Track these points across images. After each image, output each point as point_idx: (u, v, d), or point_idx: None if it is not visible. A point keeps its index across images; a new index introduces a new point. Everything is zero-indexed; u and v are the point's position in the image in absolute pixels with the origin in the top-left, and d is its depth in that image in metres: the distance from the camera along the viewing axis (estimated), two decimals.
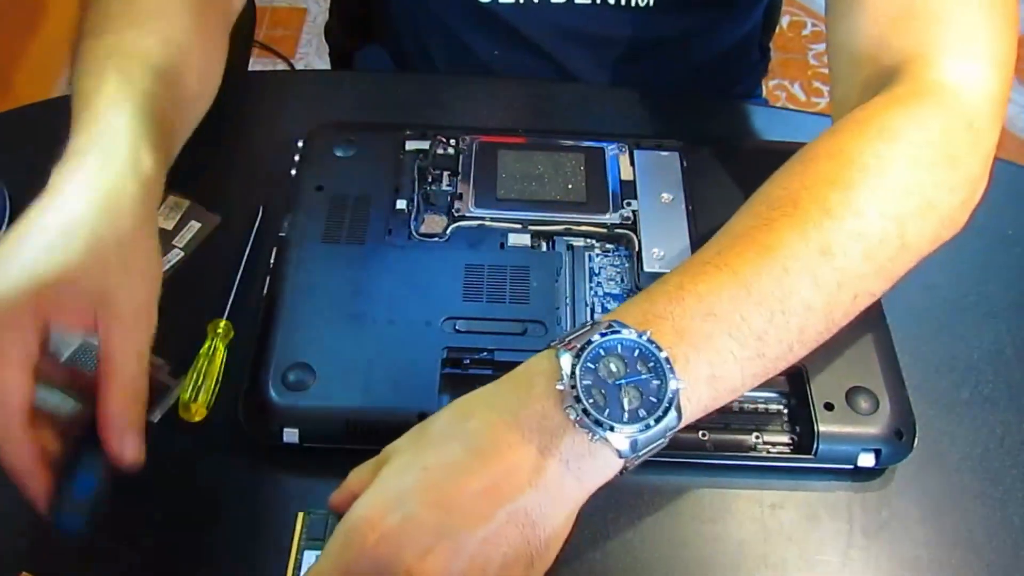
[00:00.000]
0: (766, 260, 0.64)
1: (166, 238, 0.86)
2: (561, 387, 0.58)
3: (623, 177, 0.88)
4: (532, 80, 1.07)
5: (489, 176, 0.86)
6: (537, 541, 0.58)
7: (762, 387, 0.74)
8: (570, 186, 0.86)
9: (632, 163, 0.89)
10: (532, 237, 0.83)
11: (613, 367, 0.59)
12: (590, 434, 0.57)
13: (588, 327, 0.61)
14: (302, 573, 0.66)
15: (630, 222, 0.84)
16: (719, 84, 1.22)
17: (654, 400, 0.59)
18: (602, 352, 0.59)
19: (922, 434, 0.75)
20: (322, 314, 0.77)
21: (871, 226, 0.67)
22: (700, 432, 0.74)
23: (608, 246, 0.84)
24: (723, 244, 0.67)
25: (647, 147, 0.90)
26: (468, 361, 0.76)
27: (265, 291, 0.79)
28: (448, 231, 0.83)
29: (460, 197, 0.85)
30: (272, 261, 0.81)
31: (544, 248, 0.83)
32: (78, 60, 0.77)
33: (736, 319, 0.62)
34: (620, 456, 0.58)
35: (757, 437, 0.74)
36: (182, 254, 0.85)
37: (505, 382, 0.62)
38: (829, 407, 0.73)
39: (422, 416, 0.70)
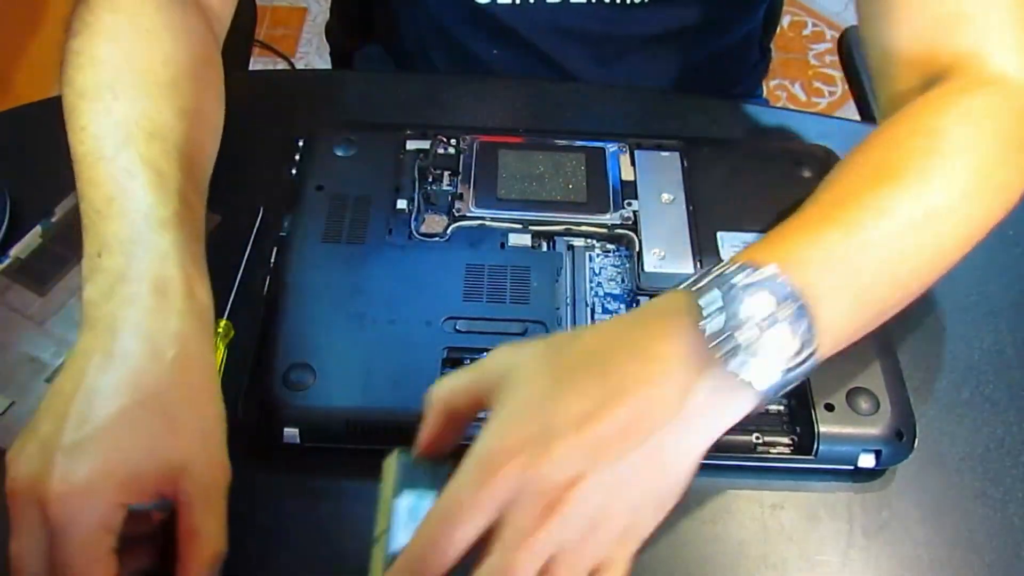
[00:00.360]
0: (876, 220, 0.66)
1: None
2: (706, 325, 0.58)
3: (624, 177, 0.88)
4: (533, 80, 1.07)
5: (490, 176, 0.86)
6: (673, 478, 0.58)
7: None
8: (571, 186, 0.86)
9: (633, 163, 0.89)
10: (532, 237, 0.83)
11: (754, 308, 0.59)
12: (732, 372, 0.58)
13: (721, 269, 0.61)
14: (396, 517, 0.62)
15: (630, 222, 0.84)
16: (720, 84, 1.22)
17: (792, 338, 0.59)
18: (744, 293, 0.59)
19: (922, 434, 0.75)
20: (322, 314, 0.77)
21: (963, 198, 0.70)
22: None
23: (609, 246, 0.84)
24: (831, 203, 0.69)
25: (647, 147, 0.90)
26: (468, 361, 0.76)
27: (265, 291, 0.79)
28: (448, 231, 0.83)
29: (461, 197, 0.85)
30: (272, 261, 0.81)
31: (544, 248, 0.83)
32: (85, 121, 0.73)
33: (851, 271, 0.64)
34: (759, 394, 0.59)
35: (758, 438, 0.74)
36: None
37: (641, 318, 0.62)
38: (829, 408, 0.73)
39: (423, 417, 0.71)
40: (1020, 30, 0.77)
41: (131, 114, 0.73)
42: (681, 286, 0.62)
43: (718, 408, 0.59)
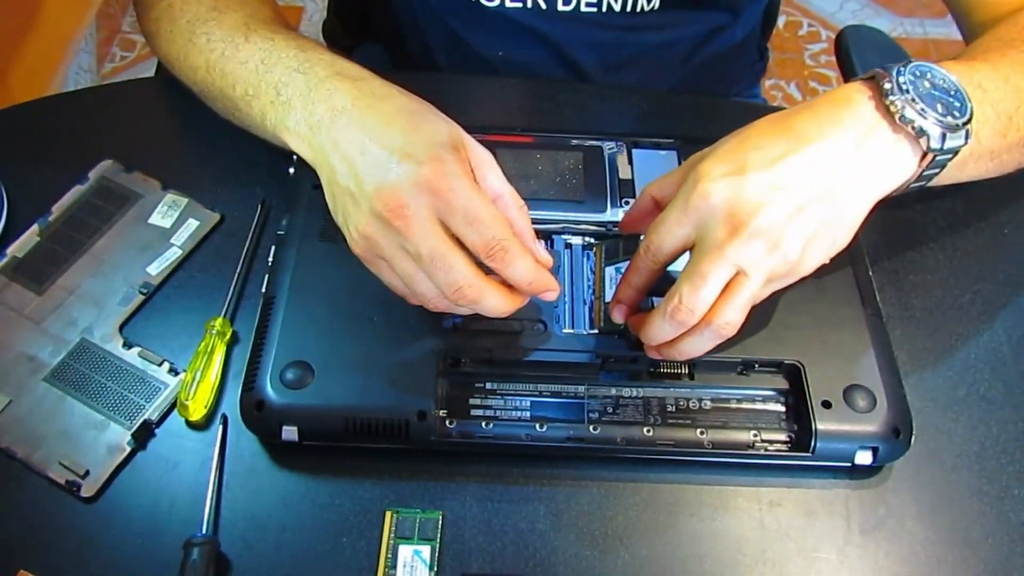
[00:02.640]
0: (1016, 67, 0.79)
1: (164, 236, 0.86)
2: (888, 83, 0.70)
3: (621, 175, 0.88)
4: (531, 79, 1.07)
5: None
6: (843, 222, 0.71)
7: (760, 385, 0.75)
8: (568, 184, 0.86)
9: (630, 161, 0.89)
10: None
11: (926, 84, 0.71)
12: (909, 123, 0.70)
13: (895, 63, 0.72)
14: (397, 570, 0.70)
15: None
16: (719, 85, 1.23)
17: (958, 112, 0.71)
18: (917, 72, 0.71)
19: (919, 432, 0.75)
20: (321, 313, 0.77)
21: None
22: (698, 430, 0.74)
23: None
24: (973, 56, 0.82)
25: (645, 146, 0.90)
26: (467, 360, 0.76)
27: (264, 289, 0.79)
28: None
29: None
30: (271, 259, 0.81)
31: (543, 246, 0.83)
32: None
33: (997, 97, 0.77)
34: (928, 149, 0.70)
35: (755, 435, 0.74)
36: (180, 252, 0.85)
37: (818, 99, 0.74)
38: (827, 405, 0.73)
39: (421, 415, 0.71)
40: None
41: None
42: (853, 79, 0.75)
43: (889, 156, 0.71)
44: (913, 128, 0.69)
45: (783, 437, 0.74)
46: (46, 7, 2.25)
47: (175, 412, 0.77)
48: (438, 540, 0.71)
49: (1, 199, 0.87)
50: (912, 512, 0.74)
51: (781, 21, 2.62)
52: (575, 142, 0.90)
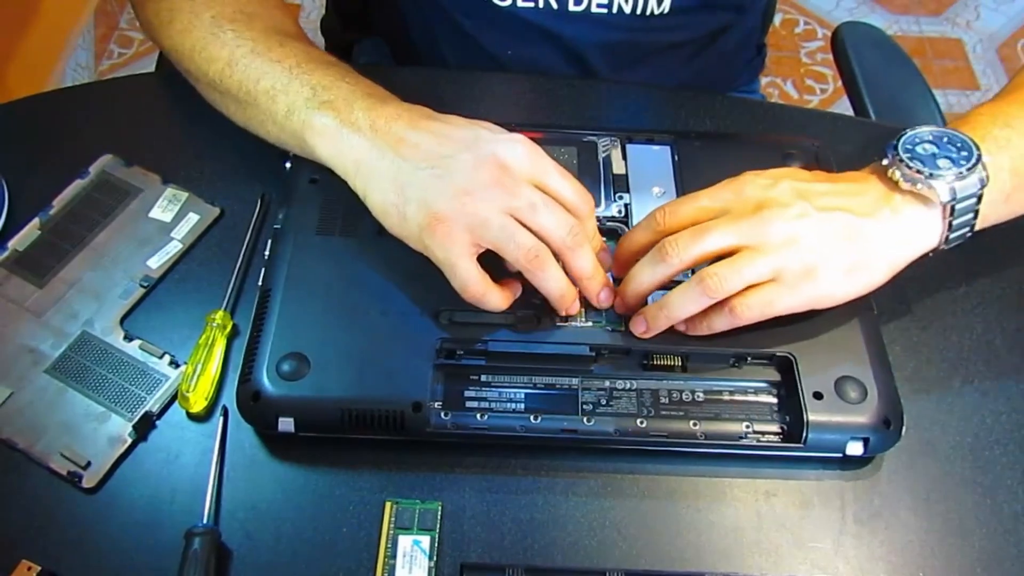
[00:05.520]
0: None
1: (165, 230, 0.87)
2: (887, 160, 0.76)
3: (615, 170, 0.88)
4: (526, 75, 1.07)
5: None
6: (863, 257, 0.75)
7: (752, 377, 0.75)
8: None
9: (624, 156, 0.89)
10: None
11: (927, 147, 0.76)
12: (914, 184, 0.74)
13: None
14: (397, 559, 0.70)
15: (622, 215, 0.85)
16: (720, 82, 1.23)
17: (964, 160, 0.74)
18: (916, 139, 0.76)
19: (913, 423, 0.76)
20: (317, 305, 0.77)
21: None
22: (691, 422, 0.75)
23: (600, 239, 0.84)
24: (1004, 92, 0.86)
25: (639, 141, 0.91)
26: (462, 352, 0.76)
27: (260, 282, 0.79)
28: None
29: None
30: (267, 252, 0.81)
31: None
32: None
33: (1018, 143, 0.78)
34: (940, 204, 0.74)
35: (747, 426, 0.75)
36: (181, 246, 0.86)
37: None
38: (818, 396, 0.73)
39: (416, 406, 0.71)
40: None
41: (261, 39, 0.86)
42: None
43: (908, 217, 0.75)
44: (919, 187, 0.74)
45: (775, 428, 0.75)
46: (44, 4, 2.25)
47: (176, 404, 0.77)
48: (437, 530, 0.71)
49: (2, 193, 0.88)
50: (906, 502, 0.75)
51: (777, 19, 2.62)
52: (569, 137, 0.91)
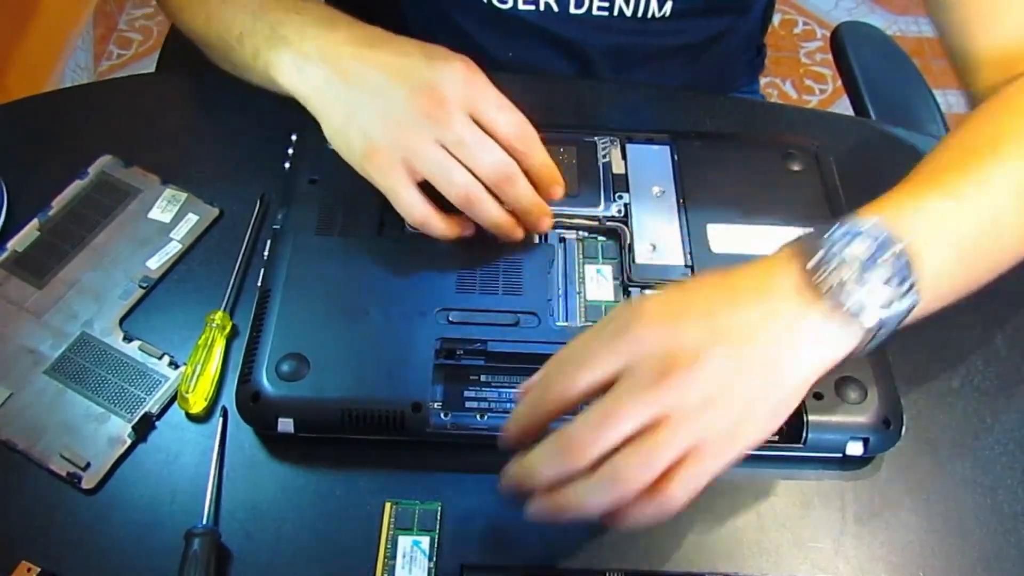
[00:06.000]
0: (977, 185, 0.70)
1: (164, 230, 0.87)
2: (813, 264, 0.63)
3: (615, 170, 0.88)
4: (525, 76, 1.07)
5: None
6: (783, 389, 0.62)
7: None
8: (563, 179, 0.86)
9: (624, 156, 0.89)
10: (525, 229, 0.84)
11: (857, 252, 0.63)
12: (836, 305, 0.62)
13: (823, 226, 0.65)
14: (397, 559, 0.70)
15: (622, 215, 0.85)
16: (720, 82, 1.23)
17: (892, 280, 0.63)
18: (847, 239, 0.63)
19: (914, 423, 0.76)
20: (316, 305, 0.77)
21: None
22: None
23: (600, 238, 0.84)
24: (929, 172, 0.73)
25: (638, 140, 0.91)
26: (461, 352, 0.76)
27: (260, 283, 0.79)
28: None
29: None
30: (267, 253, 0.81)
31: (537, 240, 0.84)
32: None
33: (952, 228, 0.68)
34: (864, 331, 0.62)
35: None
36: (180, 247, 0.85)
37: (754, 262, 0.66)
38: (818, 396, 0.73)
39: (416, 407, 0.71)
40: None
41: None
42: (787, 244, 0.67)
43: (827, 338, 0.63)
44: (848, 307, 0.62)
45: None
46: (43, 5, 2.25)
47: (175, 405, 0.77)
48: (437, 531, 0.71)
49: (1, 194, 0.88)
50: (907, 502, 0.75)
51: (777, 19, 2.63)
52: (569, 137, 0.91)
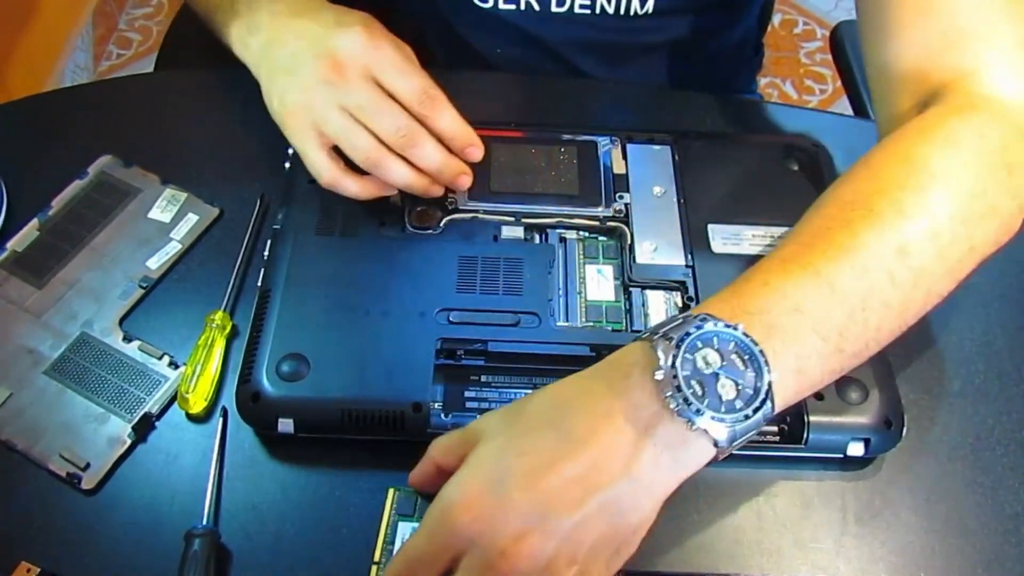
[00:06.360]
0: (847, 259, 0.66)
1: (164, 230, 0.87)
2: (660, 376, 0.59)
3: (615, 170, 0.88)
4: (526, 75, 1.07)
5: (483, 169, 0.86)
6: (626, 529, 0.59)
7: None
8: (563, 179, 0.87)
9: (624, 156, 0.89)
10: (525, 229, 0.84)
11: (709, 358, 0.60)
12: (688, 423, 0.58)
13: (680, 320, 0.62)
14: (396, 544, 0.69)
15: (622, 215, 0.85)
16: (716, 82, 1.23)
17: (750, 391, 0.60)
18: (699, 344, 0.60)
19: (914, 424, 0.76)
20: (316, 305, 0.77)
21: (943, 228, 0.68)
22: None
23: (601, 238, 0.84)
24: (802, 243, 0.68)
25: (639, 141, 0.91)
26: (462, 352, 0.76)
27: (260, 283, 0.79)
28: (442, 223, 0.84)
29: (454, 190, 0.85)
30: (267, 253, 0.81)
31: (537, 240, 0.84)
32: None
33: (820, 316, 0.64)
34: (716, 446, 0.59)
35: None
36: (180, 247, 0.85)
37: (599, 371, 0.63)
38: (819, 397, 0.73)
39: (416, 407, 0.71)
40: (1018, 51, 0.75)
41: None
42: (644, 335, 0.63)
43: (671, 460, 0.59)
44: (693, 428, 0.58)
45: (776, 429, 0.75)
46: (43, 5, 2.25)
47: (175, 405, 0.77)
48: None
49: (1, 194, 0.88)
50: (907, 503, 0.75)
51: (776, 19, 2.63)
52: (570, 137, 0.91)
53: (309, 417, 0.73)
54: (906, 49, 0.78)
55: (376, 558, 0.69)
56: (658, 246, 0.82)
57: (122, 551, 0.71)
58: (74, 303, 0.82)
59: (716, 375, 0.59)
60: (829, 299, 0.64)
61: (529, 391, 0.75)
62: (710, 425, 0.58)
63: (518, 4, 1.04)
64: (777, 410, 0.61)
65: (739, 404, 0.59)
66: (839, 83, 1.40)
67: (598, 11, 1.03)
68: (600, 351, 0.76)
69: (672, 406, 0.58)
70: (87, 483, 0.73)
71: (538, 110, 1.01)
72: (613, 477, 0.58)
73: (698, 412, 0.58)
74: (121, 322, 0.81)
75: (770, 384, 0.60)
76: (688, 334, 0.60)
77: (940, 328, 0.84)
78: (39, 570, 0.69)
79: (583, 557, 0.58)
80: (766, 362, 0.60)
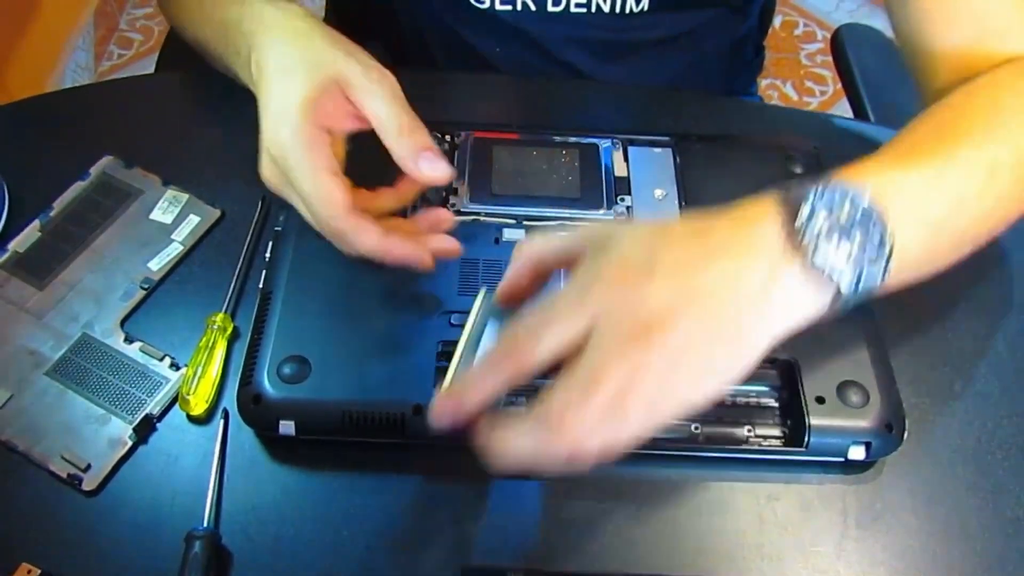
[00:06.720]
0: (943, 162, 0.71)
1: (165, 232, 0.86)
2: (797, 221, 0.61)
3: (617, 173, 0.88)
4: (527, 77, 1.07)
5: (484, 172, 0.86)
6: (746, 347, 0.60)
7: (754, 381, 0.75)
8: (564, 182, 0.87)
9: (626, 159, 0.89)
10: (527, 232, 0.84)
11: (839, 213, 0.61)
12: (813, 264, 0.60)
13: (810, 183, 0.63)
14: (481, 346, 0.66)
15: (624, 218, 0.85)
16: (717, 82, 1.23)
17: (875, 248, 0.61)
18: (832, 197, 0.62)
19: (915, 427, 0.75)
20: (318, 308, 0.77)
21: (1020, 154, 0.74)
22: (693, 425, 0.74)
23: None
24: (909, 146, 0.74)
25: (640, 143, 0.91)
26: None
27: (261, 284, 0.79)
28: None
29: (455, 192, 0.85)
30: (268, 255, 0.81)
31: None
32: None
33: (922, 209, 0.68)
34: (837, 293, 0.61)
35: (749, 430, 0.75)
36: (181, 248, 0.85)
37: (733, 211, 0.64)
38: (820, 400, 0.73)
39: (417, 409, 0.71)
40: None
41: None
42: (774, 192, 0.65)
43: (799, 296, 0.61)
44: (827, 270, 0.61)
45: (777, 432, 0.75)
46: (43, 5, 2.25)
47: (176, 406, 0.77)
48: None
49: (2, 194, 0.88)
50: (908, 507, 0.74)
51: (777, 21, 2.63)
52: (571, 140, 0.91)
53: (310, 419, 0.73)
54: (953, 40, 0.85)
55: (456, 360, 0.66)
56: None
57: (123, 552, 0.71)
58: (75, 304, 0.82)
59: (845, 230, 0.61)
60: (931, 192, 0.69)
61: (531, 394, 0.75)
62: (837, 271, 0.60)
63: (515, 4, 1.04)
64: (890, 277, 0.63)
65: (862, 258, 0.61)
66: (839, 85, 1.40)
67: (594, 9, 1.04)
68: None
69: (803, 245, 0.60)
70: (88, 484, 0.73)
71: (539, 112, 1.02)
72: (748, 301, 0.60)
73: (825, 256, 0.60)
74: (122, 323, 0.81)
75: (892, 247, 0.62)
76: (821, 190, 0.62)
77: (941, 332, 0.84)
78: (40, 571, 0.69)
79: (711, 355, 0.59)
80: (885, 232, 0.62)
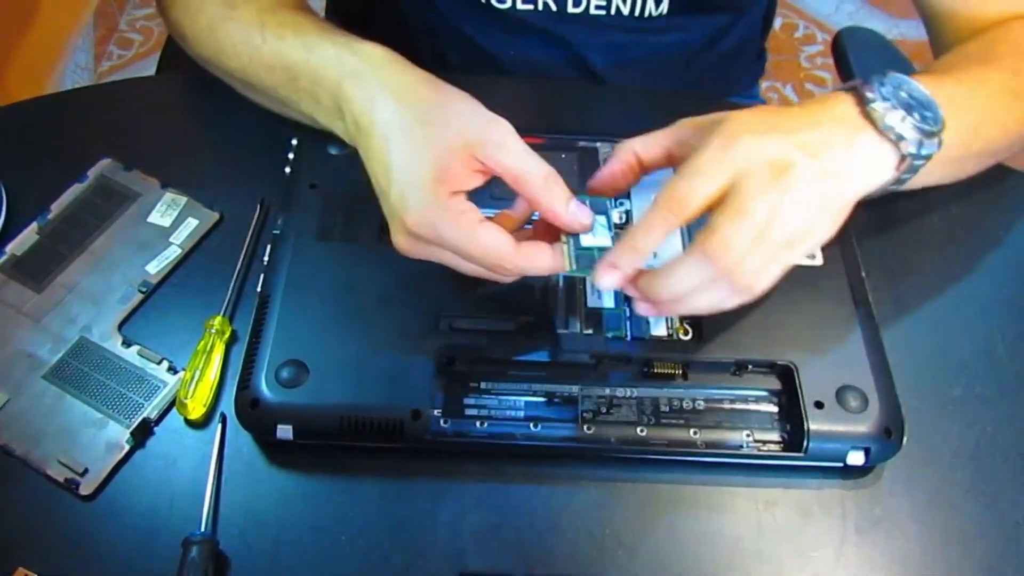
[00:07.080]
0: (977, 79, 0.84)
1: (163, 235, 0.86)
2: (871, 96, 0.72)
3: None
4: (527, 80, 1.07)
5: None
6: (845, 195, 0.72)
7: (753, 385, 0.75)
8: None
9: None
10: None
11: (904, 97, 0.73)
12: (884, 129, 0.72)
13: (881, 74, 0.75)
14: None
15: (624, 221, 0.84)
16: (720, 85, 1.23)
17: (931, 122, 0.73)
18: (896, 83, 0.74)
19: (915, 431, 0.75)
20: (316, 311, 0.77)
21: None
22: (692, 430, 0.74)
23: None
24: (945, 68, 0.86)
25: None
26: (460, 359, 0.76)
27: (259, 288, 0.79)
28: None
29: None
30: (267, 259, 0.81)
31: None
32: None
33: (962, 106, 0.79)
34: (905, 154, 0.73)
35: (748, 435, 0.75)
36: (180, 251, 0.85)
37: (810, 102, 0.75)
38: (819, 405, 0.73)
39: (415, 414, 0.71)
40: None
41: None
42: (843, 85, 0.77)
43: (875, 157, 0.73)
44: (893, 134, 0.72)
45: (776, 437, 0.75)
46: (44, 5, 2.25)
47: (174, 410, 0.77)
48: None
49: (0, 197, 0.88)
50: (908, 511, 0.74)
51: (778, 23, 2.62)
52: (571, 142, 0.90)
53: (308, 423, 0.73)
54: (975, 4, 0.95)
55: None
56: (659, 252, 0.82)
57: (120, 557, 0.71)
58: (73, 307, 0.81)
59: (906, 104, 0.73)
60: (969, 101, 0.81)
61: (529, 399, 0.75)
62: (906, 131, 0.72)
63: (536, 4, 1.04)
64: (940, 149, 0.74)
65: (921, 130, 0.72)
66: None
67: (613, 12, 1.04)
68: (600, 359, 0.76)
69: (875, 117, 0.72)
70: (85, 489, 0.73)
71: (539, 115, 1.01)
72: (845, 154, 0.71)
73: (894, 125, 0.72)
74: (120, 327, 0.81)
75: (943, 127, 0.74)
76: (883, 78, 0.74)
77: (940, 336, 0.84)
78: None
79: (824, 201, 0.70)
80: (938, 116, 0.74)
